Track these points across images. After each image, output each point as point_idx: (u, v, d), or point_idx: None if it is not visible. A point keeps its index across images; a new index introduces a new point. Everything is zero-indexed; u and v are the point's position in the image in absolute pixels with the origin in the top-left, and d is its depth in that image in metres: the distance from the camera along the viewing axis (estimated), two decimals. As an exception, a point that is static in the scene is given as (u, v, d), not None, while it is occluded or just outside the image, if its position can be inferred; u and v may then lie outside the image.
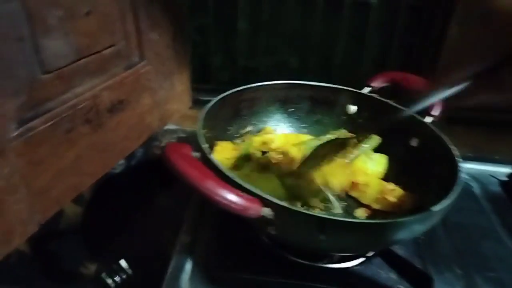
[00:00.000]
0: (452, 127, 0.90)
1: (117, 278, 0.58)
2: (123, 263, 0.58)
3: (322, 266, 0.51)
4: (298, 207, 0.39)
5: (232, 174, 0.41)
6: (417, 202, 0.55)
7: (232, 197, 0.36)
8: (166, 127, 0.90)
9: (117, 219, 0.74)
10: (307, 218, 0.39)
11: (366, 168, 0.59)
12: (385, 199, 0.55)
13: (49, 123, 0.57)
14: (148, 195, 0.80)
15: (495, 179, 0.72)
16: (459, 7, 0.83)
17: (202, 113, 0.53)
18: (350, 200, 0.58)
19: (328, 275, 0.50)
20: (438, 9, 0.85)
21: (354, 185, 0.57)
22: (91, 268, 0.64)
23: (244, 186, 0.39)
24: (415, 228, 0.43)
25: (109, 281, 0.58)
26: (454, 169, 0.48)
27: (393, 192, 0.56)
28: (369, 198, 0.57)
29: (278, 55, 0.94)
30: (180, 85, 0.88)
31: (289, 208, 0.39)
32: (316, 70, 0.93)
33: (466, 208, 0.64)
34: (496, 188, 0.70)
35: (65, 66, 0.58)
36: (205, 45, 0.94)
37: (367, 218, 0.54)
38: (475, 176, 0.72)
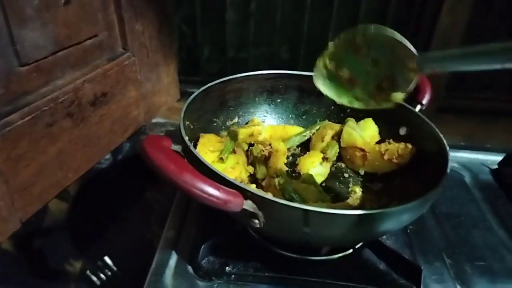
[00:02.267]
0: (443, 116, 0.90)
1: (102, 275, 0.57)
2: (107, 260, 0.57)
3: (310, 259, 0.50)
4: (281, 199, 0.38)
5: (213, 166, 0.40)
6: (415, 154, 0.54)
7: (211, 190, 0.34)
8: (154, 121, 0.88)
9: (103, 215, 0.72)
10: (291, 210, 0.37)
11: (356, 137, 0.58)
12: (385, 161, 0.55)
13: (28, 118, 0.55)
14: (135, 190, 0.79)
15: (486, 168, 0.71)
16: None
17: (184, 104, 0.51)
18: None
19: (317, 268, 0.49)
20: (429, -1, 0.84)
21: (351, 153, 0.57)
22: (76, 265, 0.63)
23: (226, 178, 0.38)
24: (402, 218, 0.42)
25: (94, 278, 0.57)
26: (443, 159, 0.47)
27: (390, 149, 0.55)
28: (369, 166, 0.56)
29: (268, 46, 0.92)
30: (167, 77, 0.86)
31: (272, 200, 0.37)
32: (308, 61, 0.91)
33: (457, 197, 0.64)
34: (487, 177, 0.70)
35: (43, 58, 0.57)
36: (193, 36, 0.92)
37: (357, 206, 0.53)
38: (466, 165, 0.71)
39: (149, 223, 0.71)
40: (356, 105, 0.47)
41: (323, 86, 0.48)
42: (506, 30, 0.88)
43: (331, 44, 0.49)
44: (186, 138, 0.44)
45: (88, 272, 0.58)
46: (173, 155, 0.36)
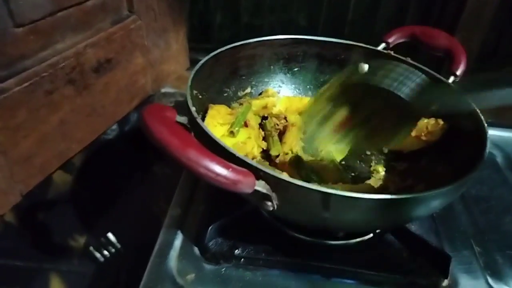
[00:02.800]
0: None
1: (105, 252, 0.54)
2: (111, 236, 0.55)
3: (327, 243, 0.46)
4: (297, 179, 0.33)
5: (222, 142, 0.35)
6: (446, 132, 0.50)
7: (219, 169, 0.30)
8: (163, 90, 0.84)
9: (109, 188, 0.70)
10: (309, 193, 0.33)
11: None
12: (412, 137, 0.50)
13: (26, 84, 0.52)
14: (142, 163, 0.76)
15: (522, 148, 0.66)
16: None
17: (192, 71, 0.47)
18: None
19: (334, 253, 0.45)
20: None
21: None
22: (80, 240, 0.61)
23: (236, 155, 0.34)
24: (432, 204, 0.37)
25: (98, 254, 0.55)
26: (480, 138, 0.42)
27: (419, 125, 0.51)
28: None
29: (285, 12, 0.87)
30: (176, 43, 0.81)
31: (288, 181, 0.33)
32: (327, 28, 0.86)
33: (487, 179, 0.59)
34: (522, 158, 0.64)
35: (41, 19, 0.53)
36: (205, 1, 0.86)
37: (380, 187, 0.48)
38: (498, 144, 0.66)
39: (156, 198, 0.69)
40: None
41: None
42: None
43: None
44: (193, 108, 0.40)
45: (91, 248, 0.56)
46: (176, 128, 0.32)
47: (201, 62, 0.49)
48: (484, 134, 0.42)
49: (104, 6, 0.62)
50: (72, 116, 0.61)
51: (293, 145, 0.50)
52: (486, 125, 0.44)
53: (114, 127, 0.78)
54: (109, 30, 0.64)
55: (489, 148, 0.62)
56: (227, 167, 0.31)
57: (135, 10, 0.68)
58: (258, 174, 0.33)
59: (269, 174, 0.33)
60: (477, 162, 0.38)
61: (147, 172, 0.75)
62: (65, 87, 0.58)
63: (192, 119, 0.39)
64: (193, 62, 0.88)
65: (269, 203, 0.35)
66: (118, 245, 0.56)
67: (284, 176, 0.34)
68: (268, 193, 0.34)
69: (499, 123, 0.70)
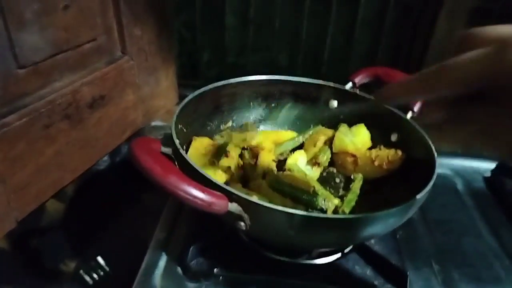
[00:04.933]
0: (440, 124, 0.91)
1: (94, 275, 0.58)
2: (100, 260, 0.58)
3: (299, 263, 0.50)
4: (265, 201, 0.39)
5: (200, 169, 0.40)
6: (404, 160, 0.55)
7: (196, 192, 0.35)
8: (153, 124, 0.89)
9: (100, 216, 0.73)
10: (274, 213, 0.38)
11: (347, 143, 0.59)
12: (375, 166, 0.55)
13: (26, 119, 0.56)
14: (132, 192, 0.79)
15: (479, 175, 0.71)
16: (448, 4, 0.82)
17: (178, 108, 0.52)
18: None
19: (305, 271, 0.49)
20: (427, 5, 0.85)
21: (343, 159, 0.58)
22: (71, 265, 0.64)
23: (212, 181, 0.39)
24: (388, 222, 0.42)
25: (87, 278, 0.58)
26: (431, 165, 0.48)
27: (380, 155, 0.56)
28: (360, 171, 0.57)
29: (267, 52, 0.93)
30: (166, 80, 0.87)
31: (256, 203, 0.38)
32: (306, 67, 0.93)
33: (448, 203, 0.64)
34: (480, 184, 0.70)
35: (42, 61, 0.58)
36: (193, 41, 0.93)
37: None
38: (459, 172, 0.71)
39: (144, 225, 0.72)
40: None
41: None
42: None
43: None
44: (177, 141, 0.45)
45: (81, 271, 0.59)
46: (160, 158, 0.37)
47: (187, 99, 0.55)
48: (433, 162, 0.48)
49: (100, 48, 0.68)
50: (67, 148, 0.65)
51: (266, 165, 0.55)
52: (435, 154, 0.49)
53: (106, 158, 0.82)
54: (104, 70, 0.69)
55: (450, 176, 0.69)
56: (202, 191, 0.36)
57: (127, 51, 0.74)
58: (231, 197, 0.38)
59: (240, 196, 0.38)
60: (425, 185, 0.44)
61: (135, 200, 0.79)
62: (61, 121, 0.62)
63: (175, 150, 0.44)
64: (182, 98, 0.92)
65: (242, 223, 0.40)
66: (107, 268, 0.59)
67: (253, 198, 0.39)
68: (241, 214, 0.39)
69: (461, 154, 0.76)
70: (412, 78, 0.29)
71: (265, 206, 0.38)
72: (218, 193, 0.37)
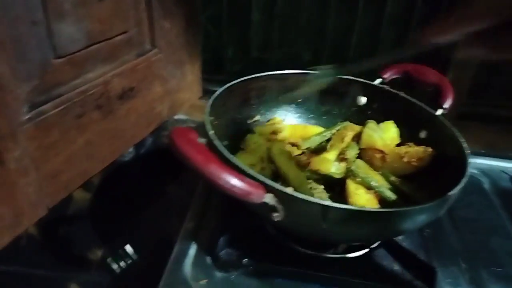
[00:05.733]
0: (464, 122, 0.89)
1: (122, 263, 0.59)
2: (128, 248, 0.59)
3: (326, 256, 0.51)
4: (300, 194, 0.39)
5: (236, 160, 0.41)
6: (434, 158, 0.55)
7: (235, 181, 0.36)
8: (176, 117, 0.90)
9: (125, 206, 0.75)
10: (309, 205, 0.39)
11: (376, 139, 0.59)
12: (404, 163, 0.55)
13: (60, 108, 0.58)
14: (156, 184, 0.81)
15: (506, 175, 0.71)
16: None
17: (210, 100, 0.53)
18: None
19: (332, 264, 0.50)
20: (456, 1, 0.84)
21: (371, 155, 0.58)
22: (98, 253, 0.65)
23: (248, 172, 0.40)
24: (419, 218, 0.42)
25: (115, 266, 0.59)
26: (462, 162, 0.48)
27: (409, 152, 0.56)
28: (388, 168, 0.57)
29: (292, 48, 0.93)
30: (191, 74, 0.88)
31: (292, 195, 0.39)
32: (329, 64, 0.92)
33: (475, 203, 0.64)
34: (507, 184, 0.69)
35: (77, 52, 0.59)
36: (218, 36, 0.94)
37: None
38: (486, 172, 0.71)
39: (169, 216, 0.73)
40: None
41: None
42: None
43: None
44: (211, 132, 0.46)
45: (108, 260, 0.60)
46: (200, 147, 0.38)
47: (218, 92, 0.56)
48: (465, 159, 0.48)
49: (130, 40, 0.69)
50: (97, 138, 0.66)
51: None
52: (467, 151, 0.49)
53: (131, 150, 0.83)
54: (133, 62, 0.70)
55: (477, 175, 0.69)
56: (241, 180, 0.36)
57: (156, 44, 0.75)
58: (267, 188, 0.39)
59: (275, 188, 0.39)
60: (457, 183, 0.43)
61: (160, 192, 0.80)
62: (93, 111, 0.64)
63: (210, 141, 0.45)
64: (206, 92, 0.94)
65: (276, 214, 0.41)
66: (135, 257, 0.60)
67: (288, 189, 0.40)
68: (275, 205, 0.39)
69: (488, 153, 0.76)
70: (448, 17, 0.31)
71: (300, 198, 0.39)
72: (256, 182, 0.38)
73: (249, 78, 0.61)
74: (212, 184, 0.36)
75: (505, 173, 0.71)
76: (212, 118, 0.51)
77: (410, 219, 0.41)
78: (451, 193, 0.42)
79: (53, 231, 0.68)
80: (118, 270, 0.59)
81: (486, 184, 0.69)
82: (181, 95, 0.87)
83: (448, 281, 0.49)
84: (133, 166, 0.82)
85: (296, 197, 0.39)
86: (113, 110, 0.68)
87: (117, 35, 0.66)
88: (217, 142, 0.44)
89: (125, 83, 0.69)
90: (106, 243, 0.67)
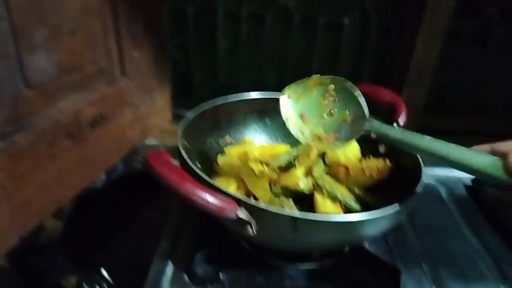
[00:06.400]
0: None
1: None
2: (103, 272, 0.59)
3: (298, 267, 0.53)
4: (271, 206, 0.42)
5: (209, 179, 0.44)
6: (393, 169, 0.59)
7: (209, 198, 0.38)
8: (147, 142, 0.92)
9: (98, 232, 0.74)
10: (280, 217, 0.41)
11: (339, 155, 0.63)
12: (366, 176, 0.59)
13: (32, 137, 0.58)
14: (129, 209, 0.81)
15: (461, 184, 0.76)
16: (424, 25, 0.89)
17: (181, 123, 0.56)
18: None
19: (305, 274, 0.52)
20: (406, 27, 0.92)
21: (336, 170, 0.62)
22: (72, 280, 0.65)
23: (221, 189, 0.42)
24: (381, 224, 0.46)
25: (90, 291, 0.59)
26: (417, 173, 0.52)
27: (370, 166, 0.60)
28: (352, 181, 0.60)
29: (257, 73, 0.98)
30: (161, 100, 0.90)
31: (263, 208, 0.41)
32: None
33: (434, 210, 0.68)
34: (462, 192, 0.75)
35: (48, 82, 0.61)
36: (186, 63, 0.97)
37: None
38: (443, 181, 0.76)
39: (144, 240, 0.73)
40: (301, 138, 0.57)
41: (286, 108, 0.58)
42: (475, 59, 0.97)
43: (307, 79, 0.56)
44: (184, 152, 0.48)
45: (84, 285, 0.60)
46: (174, 168, 0.40)
47: (189, 116, 0.58)
48: (419, 170, 0.52)
49: (101, 70, 0.71)
50: (69, 166, 0.67)
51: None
52: (422, 164, 0.54)
53: (102, 176, 0.84)
54: (104, 90, 0.72)
55: (435, 186, 0.74)
56: (215, 197, 0.39)
57: (126, 73, 0.77)
58: (240, 203, 0.42)
59: (247, 202, 0.41)
60: (414, 189, 0.48)
61: (134, 216, 0.80)
62: (65, 140, 0.64)
63: (183, 161, 0.47)
64: (176, 117, 0.97)
65: (250, 229, 0.43)
66: (111, 280, 0.60)
67: (260, 204, 0.42)
68: (248, 219, 0.42)
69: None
70: None
71: (271, 211, 0.41)
72: (229, 199, 0.40)
73: (219, 104, 0.64)
74: (188, 202, 0.38)
75: (460, 182, 0.77)
76: (184, 142, 0.54)
77: (372, 225, 0.45)
78: (407, 199, 0.46)
79: (24, 261, 0.67)
80: (94, 296, 0.59)
81: (443, 193, 0.74)
82: (152, 121, 0.88)
83: (412, 282, 0.53)
84: (105, 193, 0.82)
85: (267, 210, 0.41)
86: (85, 138, 0.69)
87: (88, 65, 0.68)
88: (190, 163, 0.46)
89: (96, 111, 0.70)
90: (80, 270, 0.66)
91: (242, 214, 0.41)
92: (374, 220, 0.44)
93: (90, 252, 0.70)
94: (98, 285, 0.59)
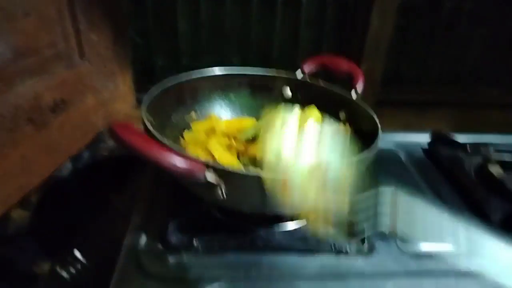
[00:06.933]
0: (381, 109, 1.00)
1: (72, 270, 0.59)
2: (76, 253, 0.59)
3: (268, 229, 0.55)
4: (238, 168, 0.43)
5: (174, 144, 0.44)
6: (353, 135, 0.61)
7: (177, 160, 0.39)
8: (113, 129, 0.91)
9: (68, 220, 0.74)
10: (246, 178, 0.43)
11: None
12: None
13: (-9, 123, 0.57)
14: (98, 196, 0.80)
15: (419, 147, 0.81)
16: (378, 1, 0.92)
17: (146, 98, 0.56)
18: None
19: (276, 236, 0.54)
20: (361, 2, 0.95)
21: None
22: (45, 267, 0.64)
23: (187, 154, 0.43)
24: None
25: (64, 273, 0.59)
26: (375, 131, 0.55)
27: None
28: None
29: (220, 54, 0.99)
30: (123, 85, 0.90)
31: (230, 170, 0.43)
32: (256, 66, 0.99)
33: (395, 172, 0.72)
34: (420, 154, 0.79)
35: (4, 66, 0.59)
36: (148, 47, 0.96)
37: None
38: (402, 146, 0.81)
39: (115, 223, 0.73)
40: None
41: None
42: (427, 32, 1.02)
43: None
44: (148, 122, 0.48)
45: (57, 268, 0.60)
46: (140, 134, 0.40)
47: (151, 92, 0.58)
48: (377, 130, 0.55)
49: (59, 54, 0.70)
50: (32, 152, 0.66)
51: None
52: (378, 124, 0.57)
53: (68, 165, 0.82)
54: (64, 75, 0.71)
55: (394, 150, 0.78)
56: (184, 159, 0.40)
57: (85, 57, 0.76)
58: (207, 166, 0.43)
59: (214, 165, 0.43)
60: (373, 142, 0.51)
61: (103, 203, 0.80)
62: (26, 125, 0.64)
63: (149, 133, 0.48)
64: (139, 102, 0.96)
65: (219, 192, 0.44)
66: (84, 261, 0.60)
67: (226, 165, 0.44)
68: (216, 182, 0.43)
69: (402, 131, 0.86)
70: None
71: (238, 172, 0.43)
72: (197, 160, 0.41)
73: (182, 80, 0.64)
74: (156, 165, 0.39)
75: (418, 145, 0.82)
76: (149, 116, 0.54)
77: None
78: (365, 151, 0.49)
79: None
80: (68, 277, 0.59)
81: (402, 156, 0.78)
82: (115, 106, 0.88)
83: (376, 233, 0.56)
84: (72, 181, 0.81)
85: (235, 172, 0.43)
86: (47, 123, 0.68)
87: (44, 49, 0.67)
88: (156, 133, 0.47)
89: (57, 96, 0.69)
90: (52, 256, 0.66)
91: (210, 177, 0.42)
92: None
93: (60, 239, 0.69)
94: (72, 267, 0.58)
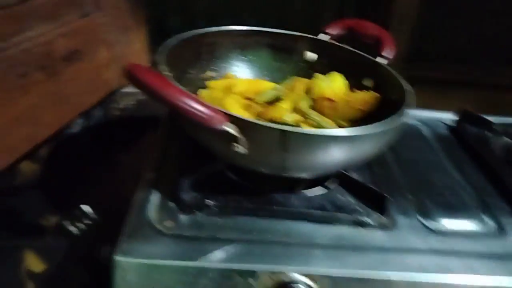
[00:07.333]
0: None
1: (79, 224, 0.57)
2: (85, 208, 0.57)
3: (286, 195, 0.52)
4: (259, 120, 0.40)
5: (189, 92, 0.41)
6: (380, 103, 0.58)
7: (196, 104, 0.36)
8: (125, 90, 0.88)
9: (76, 175, 0.72)
10: (269, 131, 0.40)
11: (325, 88, 0.61)
12: (352, 109, 0.58)
13: (2, 66, 0.55)
14: (108, 154, 0.78)
15: (444, 124, 0.77)
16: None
17: (161, 48, 0.53)
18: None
19: (292, 200, 0.52)
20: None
21: (321, 104, 0.60)
22: (52, 220, 0.63)
23: (204, 102, 0.40)
24: (372, 141, 0.45)
25: (72, 228, 0.57)
26: (403, 99, 0.52)
27: (357, 98, 0.59)
28: (338, 115, 0.59)
29: (236, 17, 0.95)
30: (138, 42, 0.87)
31: (252, 122, 0.40)
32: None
33: (418, 147, 0.69)
34: (444, 131, 0.76)
35: (13, 5, 0.56)
36: (163, 7, 0.92)
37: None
38: (425, 121, 0.77)
39: (124, 182, 0.71)
40: None
41: None
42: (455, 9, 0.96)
43: None
44: (163, 65, 0.45)
45: (65, 222, 0.58)
46: (157, 74, 0.38)
47: (169, 42, 0.55)
48: (404, 98, 0.52)
49: (72, 1, 0.67)
50: (42, 101, 0.63)
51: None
52: (408, 89, 0.53)
53: (79, 121, 0.80)
54: (77, 23, 0.68)
55: (418, 125, 0.74)
56: (203, 104, 0.37)
57: (100, 7, 0.73)
58: (227, 117, 0.40)
59: (235, 116, 0.40)
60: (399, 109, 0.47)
61: (112, 161, 0.78)
62: (37, 72, 0.61)
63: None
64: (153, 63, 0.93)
65: (237, 146, 0.41)
66: (93, 215, 0.58)
67: (248, 117, 0.41)
68: (236, 134, 0.40)
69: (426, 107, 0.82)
70: None
71: (260, 124, 0.40)
72: (216, 108, 0.38)
73: (200, 33, 0.61)
74: (173, 107, 0.36)
75: (442, 122, 0.78)
76: (164, 66, 0.51)
77: (362, 142, 0.44)
78: (392, 117, 0.46)
79: (0, 203, 0.64)
80: (76, 232, 0.57)
81: (426, 132, 0.75)
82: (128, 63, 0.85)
83: (397, 209, 0.53)
84: (82, 137, 0.79)
85: (256, 124, 0.40)
86: (58, 72, 0.65)
87: (56, -8, 0.63)
88: (171, 78, 0.43)
89: (70, 44, 0.66)
90: (59, 210, 0.64)
91: (229, 127, 0.39)
92: (363, 136, 0.43)
93: (69, 193, 0.67)
94: (80, 222, 0.57)
